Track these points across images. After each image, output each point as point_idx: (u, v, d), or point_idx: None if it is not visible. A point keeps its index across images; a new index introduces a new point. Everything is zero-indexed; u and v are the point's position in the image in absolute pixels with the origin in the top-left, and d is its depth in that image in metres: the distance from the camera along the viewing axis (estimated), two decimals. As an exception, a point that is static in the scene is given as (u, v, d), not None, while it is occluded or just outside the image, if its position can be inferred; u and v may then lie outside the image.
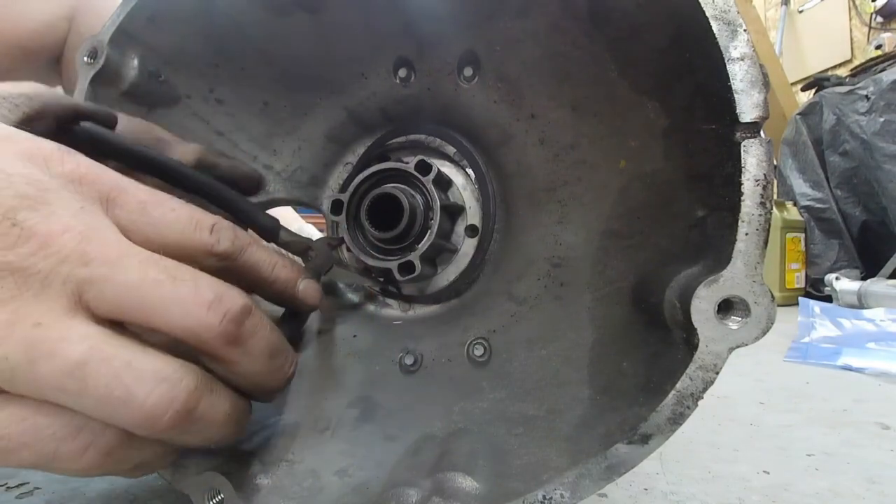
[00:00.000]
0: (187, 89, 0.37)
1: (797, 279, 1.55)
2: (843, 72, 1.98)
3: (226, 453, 0.26)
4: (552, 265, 0.33)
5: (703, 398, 0.18)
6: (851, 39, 2.30)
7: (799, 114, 1.68)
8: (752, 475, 0.38)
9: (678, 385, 0.18)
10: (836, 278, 1.33)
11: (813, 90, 1.71)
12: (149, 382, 0.14)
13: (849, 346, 0.89)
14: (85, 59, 0.32)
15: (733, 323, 0.18)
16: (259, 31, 0.36)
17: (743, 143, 0.19)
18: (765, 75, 0.19)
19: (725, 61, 0.19)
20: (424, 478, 0.22)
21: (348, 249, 0.42)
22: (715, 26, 0.19)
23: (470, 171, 0.40)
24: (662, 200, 0.26)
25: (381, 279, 0.40)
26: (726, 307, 0.18)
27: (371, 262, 0.40)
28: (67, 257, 0.14)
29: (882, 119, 1.39)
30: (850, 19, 2.31)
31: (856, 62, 2.12)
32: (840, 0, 2.34)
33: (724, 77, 0.19)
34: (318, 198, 0.45)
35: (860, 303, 1.23)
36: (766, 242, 0.18)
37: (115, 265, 0.14)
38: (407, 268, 0.38)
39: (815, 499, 0.35)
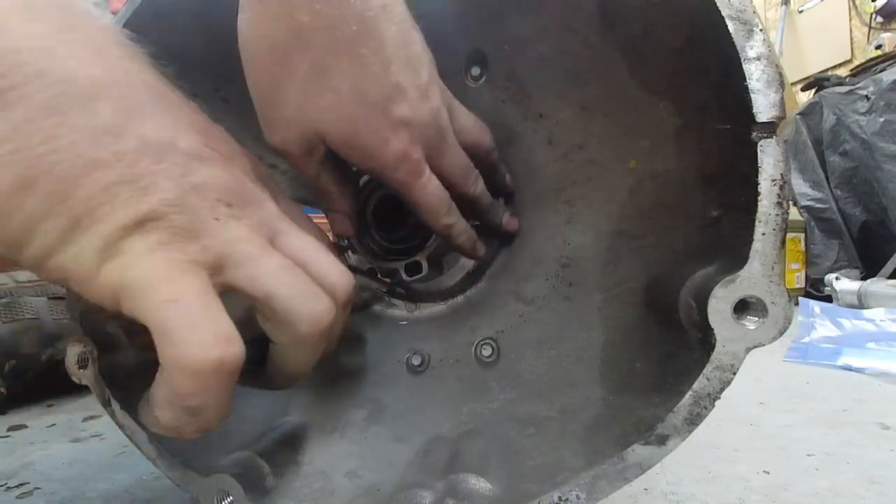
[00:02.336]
0: (193, 88, 0.37)
1: (797, 279, 1.55)
2: (843, 72, 1.99)
3: (235, 455, 0.26)
4: (561, 265, 0.33)
5: (720, 398, 0.18)
6: (851, 39, 2.30)
7: (799, 114, 1.69)
8: (752, 475, 0.38)
9: (695, 385, 0.18)
10: (836, 278, 1.33)
11: (813, 90, 1.71)
12: (322, 295, 0.19)
13: (849, 346, 0.89)
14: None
15: (750, 323, 0.18)
16: None
17: (760, 143, 0.18)
18: (781, 75, 0.19)
19: (742, 61, 0.19)
20: (437, 479, 0.22)
21: (354, 251, 0.42)
22: (731, 26, 0.19)
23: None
24: (675, 200, 0.25)
25: (389, 280, 0.40)
26: (743, 307, 0.18)
27: (377, 263, 0.40)
28: (273, 212, 0.20)
29: (882, 119, 1.40)
30: (850, 19, 2.31)
31: (856, 62, 2.12)
32: (840, 0, 2.35)
33: (739, 77, 0.19)
34: (323, 197, 0.45)
35: (860, 303, 1.23)
36: (783, 242, 0.18)
37: (297, 230, 0.21)
38: (414, 268, 0.38)
39: (815, 499, 0.35)
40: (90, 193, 0.14)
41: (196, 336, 0.15)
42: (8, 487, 0.37)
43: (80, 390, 0.59)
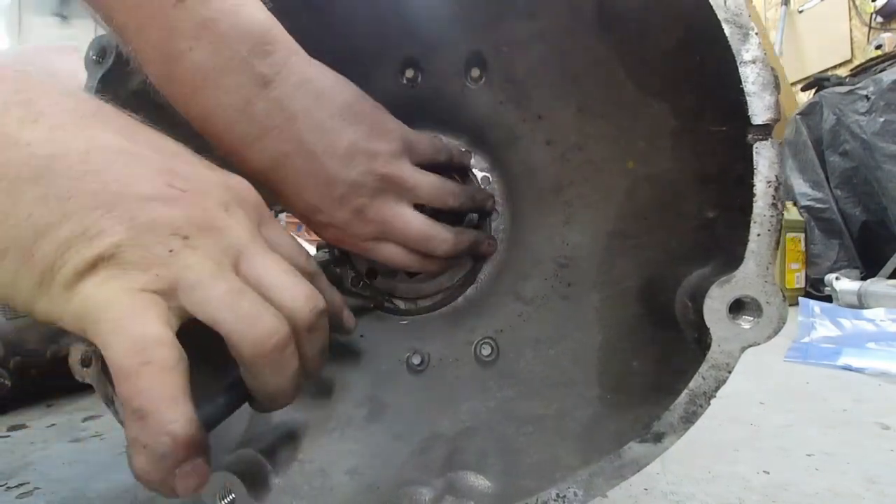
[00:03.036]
0: None
1: (797, 279, 1.55)
2: (843, 72, 1.99)
3: (237, 453, 0.26)
4: (559, 265, 0.34)
5: (715, 397, 0.18)
6: (851, 39, 2.30)
7: (799, 114, 1.69)
8: (752, 475, 0.38)
9: (691, 384, 0.18)
10: (836, 278, 1.33)
11: (813, 90, 1.71)
12: (269, 316, 0.20)
13: (849, 346, 0.89)
14: (93, 57, 0.32)
15: (745, 322, 0.18)
16: None
17: (755, 145, 0.19)
18: (776, 77, 0.20)
19: (737, 64, 0.19)
20: (436, 477, 0.23)
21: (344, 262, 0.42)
22: (727, 29, 0.19)
23: (475, 171, 0.40)
24: (671, 201, 0.26)
25: (379, 298, 0.40)
26: (738, 307, 0.18)
27: (378, 263, 0.40)
28: (240, 238, 0.21)
29: (882, 119, 1.40)
30: (850, 19, 2.31)
31: (856, 62, 2.12)
32: (840, 0, 2.35)
33: (735, 79, 0.19)
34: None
35: (860, 303, 1.23)
36: (777, 243, 0.18)
37: (264, 255, 0.22)
38: None
39: (815, 499, 0.35)
40: (46, 252, 0.17)
41: (119, 341, 0.17)
42: (8, 487, 0.37)
43: (81, 389, 0.59)
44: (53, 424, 0.53)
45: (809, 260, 1.61)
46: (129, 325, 0.17)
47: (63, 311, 0.18)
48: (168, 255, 0.19)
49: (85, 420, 0.54)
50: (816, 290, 1.52)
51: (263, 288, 0.21)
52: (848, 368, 0.79)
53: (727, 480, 0.37)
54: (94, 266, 0.18)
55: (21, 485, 0.37)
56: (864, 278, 1.33)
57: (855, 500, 0.35)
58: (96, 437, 0.48)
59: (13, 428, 0.51)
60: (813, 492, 0.36)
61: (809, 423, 0.52)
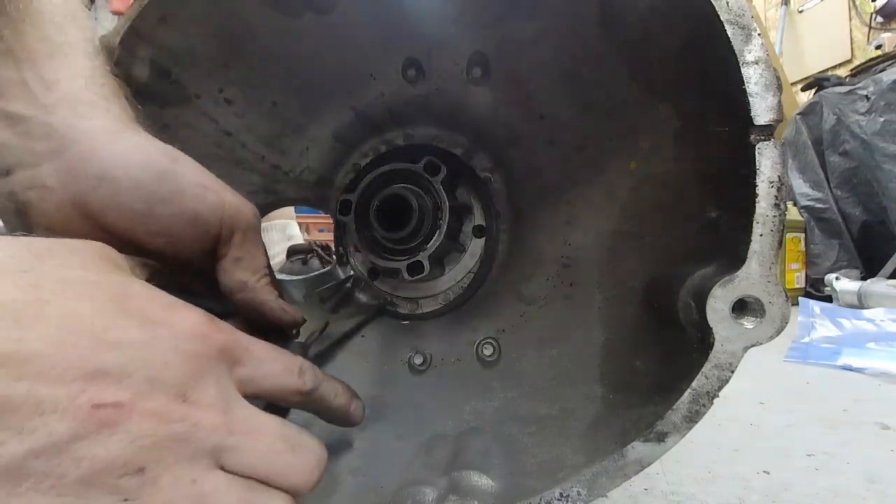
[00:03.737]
0: (197, 89, 0.37)
1: (797, 279, 1.55)
2: (843, 72, 1.99)
3: None
4: (561, 265, 0.34)
5: (718, 396, 0.18)
6: (851, 39, 2.30)
7: (799, 114, 1.69)
8: (752, 475, 0.38)
9: (694, 383, 0.18)
10: (836, 278, 1.33)
11: (813, 90, 1.72)
12: None
13: (849, 346, 0.89)
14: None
15: (748, 322, 0.18)
16: (269, 32, 0.36)
17: (757, 146, 0.19)
18: (778, 78, 0.20)
19: (740, 65, 0.19)
20: (439, 476, 0.23)
21: (357, 249, 0.42)
22: (730, 30, 0.19)
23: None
24: (674, 201, 0.26)
25: (380, 302, 0.40)
26: (741, 307, 0.18)
27: (380, 262, 0.40)
28: (216, 428, 0.17)
29: (882, 119, 1.40)
30: (850, 19, 2.31)
31: (856, 62, 2.12)
32: (840, 0, 2.35)
33: (737, 80, 0.19)
34: (325, 198, 0.45)
35: (860, 303, 1.24)
36: (780, 243, 0.18)
37: (252, 436, 0.19)
38: (416, 268, 0.38)
39: (815, 499, 0.35)
40: None
41: None
42: None
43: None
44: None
45: (809, 260, 1.61)
46: None
47: None
48: (114, 498, 0.15)
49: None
50: (816, 290, 1.53)
51: (259, 477, 0.18)
52: (848, 368, 0.79)
53: (727, 480, 0.37)
54: None
55: None
56: (864, 278, 1.33)
57: (855, 500, 0.35)
58: (97, 437, 0.48)
59: None
60: (813, 492, 0.36)
61: (809, 423, 0.52)
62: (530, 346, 0.32)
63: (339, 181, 0.44)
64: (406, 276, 0.39)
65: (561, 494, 0.18)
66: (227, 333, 0.20)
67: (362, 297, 0.42)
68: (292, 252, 0.82)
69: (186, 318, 0.18)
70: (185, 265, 0.27)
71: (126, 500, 0.15)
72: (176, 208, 0.25)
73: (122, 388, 0.15)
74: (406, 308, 0.41)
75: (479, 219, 0.41)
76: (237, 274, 0.28)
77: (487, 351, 0.34)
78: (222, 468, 0.17)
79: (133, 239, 0.24)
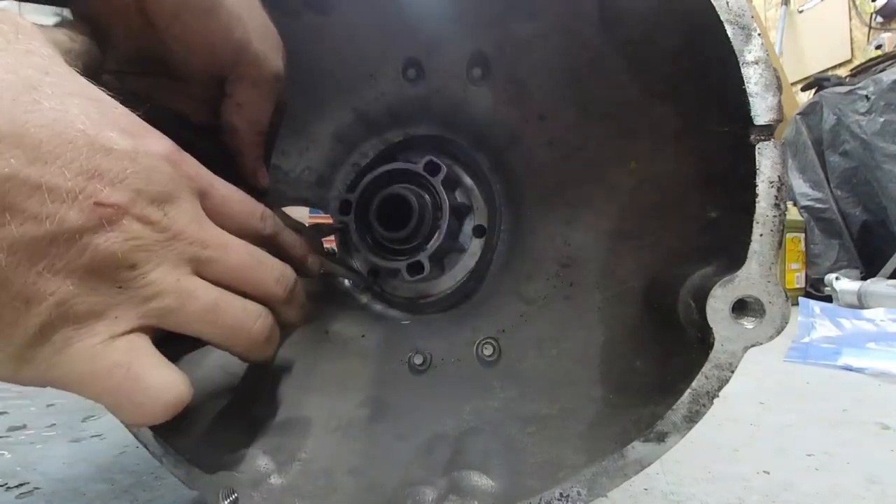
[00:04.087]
0: None
1: (797, 279, 1.55)
2: (843, 72, 1.99)
3: (240, 452, 0.26)
4: (561, 265, 0.34)
5: (718, 396, 0.18)
6: (851, 39, 2.30)
7: (799, 114, 1.69)
8: (752, 475, 0.38)
9: (694, 384, 0.18)
10: (836, 278, 1.33)
11: (813, 90, 1.72)
12: (255, 317, 0.21)
13: (849, 346, 0.89)
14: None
15: (748, 322, 0.18)
16: None
17: (757, 146, 0.19)
18: (778, 78, 0.20)
19: (740, 65, 0.19)
20: (439, 476, 0.23)
21: (357, 249, 0.42)
22: (730, 30, 0.19)
23: (478, 171, 0.40)
24: (674, 201, 0.26)
25: (368, 277, 0.40)
26: (741, 307, 0.18)
27: (380, 262, 0.40)
28: (193, 242, 0.20)
29: (882, 119, 1.40)
30: (850, 19, 2.31)
31: (856, 62, 2.12)
32: (840, 0, 2.35)
33: (737, 80, 0.19)
34: (324, 198, 0.45)
35: (860, 303, 1.23)
36: (780, 243, 0.18)
37: (224, 250, 0.21)
38: (416, 268, 0.38)
39: (815, 499, 0.35)
40: None
41: (134, 407, 0.17)
42: (8, 487, 0.36)
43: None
44: (53, 424, 0.52)
45: (809, 260, 1.61)
46: (132, 388, 0.17)
47: (47, 381, 0.17)
48: (118, 292, 0.17)
49: (85, 420, 0.54)
50: (816, 290, 1.53)
51: (234, 283, 0.21)
52: (848, 368, 0.79)
53: (727, 480, 0.37)
54: (42, 334, 0.16)
55: (21, 485, 0.37)
56: (864, 278, 1.33)
57: (855, 500, 0.35)
58: (96, 437, 0.48)
59: (13, 428, 0.51)
60: (813, 492, 0.36)
61: (809, 423, 0.52)
62: (530, 346, 0.32)
63: (339, 181, 0.44)
64: (406, 276, 0.39)
65: (561, 494, 0.18)
66: (195, 167, 0.21)
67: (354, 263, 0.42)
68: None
69: (160, 142, 0.20)
70: (185, 81, 0.28)
71: (121, 287, 0.17)
72: (199, 24, 0.25)
73: (115, 190, 0.17)
74: (406, 308, 0.41)
75: (479, 219, 0.41)
76: (232, 117, 0.29)
77: (487, 351, 0.34)
78: (202, 275, 0.20)
79: (155, 36, 0.25)
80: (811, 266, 1.60)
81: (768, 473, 0.39)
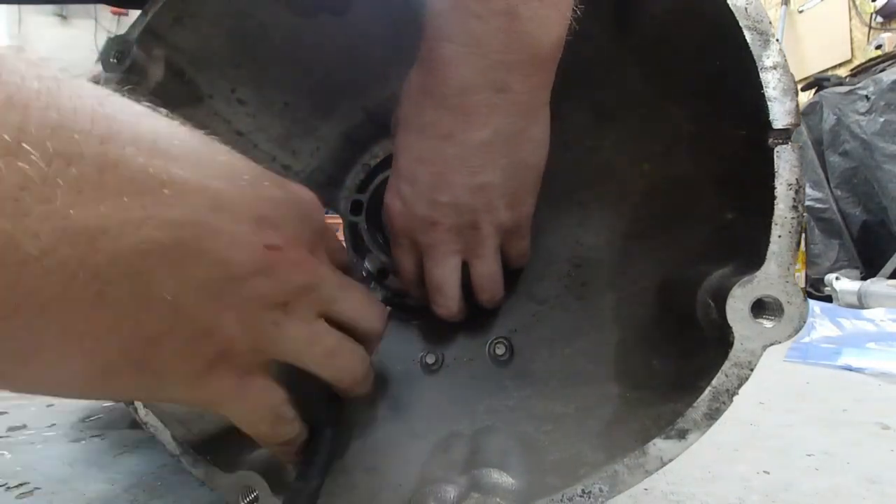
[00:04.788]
0: (210, 89, 0.37)
1: (797, 279, 1.56)
2: (843, 72, 1.99)
3: (258, 452, 0.26)
4: (573, 265, 0.34)
5: (738, 394, 0.18)
6: (851, 39, 2.31)
7: (799, 114, 1.70)
8: (752, 475, 0.38)
9: (714, 382, 0.18)
10: (836, 278, 1.34)
11: (813, 90, 1.72)
12: (361, 360, 0.24)
13: (849, 346, 0.90)
14: (111, 58, 0.32)
15: (767, 321, 0.18)
16: (283, 33, 0.36)
17: (776, 149, 0.19)
18: (795, 83, 0.20)
19: (759, 70, 0.19)
20: (458, 475, 0.23)
21: (368, 249, 0.42)
22: (748, 36, 0.20)
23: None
24: (689, 203, 0.26)
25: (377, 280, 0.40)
26: (760, 307, 0.19)
27: (391, 262, 0.41)
28: (332, 283, 0.22)
29: (882, 119, 1.41)
30: (850, 19, 2.32)
31: (856, 62, 2.12)
32: (840, 0, 2.35)
33: (755, 84, 0.20)
34: (334, 198, 0.45)
35: (860, 303, 1.24)
36: (798, 244, 0.19)
37: (349, 292, 0.23)
38: None
39: (815, 499, 0.35)
40: (164, 360, 0.17)
41: (271, 437, 0.21)
42: (8, 487, 0.36)
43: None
44: (53, 424, 0.52)
45: (809, 260, 1.61)
46: (251, 409, 0.20)
47: (188, 401, 0.19)
48: (273, 328, 0.19)
49: (85, 420, 0.54)
50: (816, 290, 1.53)
51: (348, 325, 0.23)
52: (848, 368, 0.79)
53: (727, 480, 0.37)
54: (212, 366, 0.18)
55: (21, 485, 0.37)
56: (864, 278, 1.34)
57: (855, 500, 0.35)
58: (96, 437, 0.48)
59: (13, 428, 0.51)
60: (813, 492, 0.36)
61: (809, 423, 0.52)
62: (543, 345, 0.32)
63: (349, 181, 0.44)
64: None
65: (583, 491, 0.19)
66: (319, 208, 0.23)
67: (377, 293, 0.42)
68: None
69: (303, 190, 0.22)
70: None
71: (274, 323, 0.19)
72: None
73: (279, 236, 0.19)
74: (417, 308, 0.42)
75: None
76: None
77: (500, 350, 0.34)
78: (324, 317, 0.21)
79: None
80: (811, 266, 1.61)
81: (768, 473, 0.39)
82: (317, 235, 0.22)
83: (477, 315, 0.38)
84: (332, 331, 0.22)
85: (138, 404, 0.27)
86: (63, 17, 2.75)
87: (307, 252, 0.20)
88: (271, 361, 0.20)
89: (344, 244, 0.41)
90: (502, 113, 0.25)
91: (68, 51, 2.67)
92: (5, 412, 0.57)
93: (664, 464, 0.19)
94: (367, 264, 0.44)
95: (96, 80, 0.32)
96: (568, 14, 0.24)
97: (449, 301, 0.31)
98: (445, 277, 0.31)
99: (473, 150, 0.25)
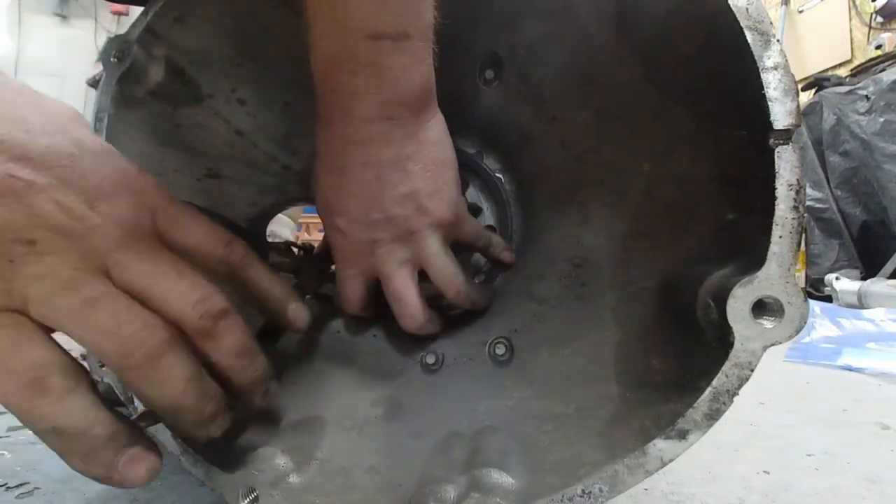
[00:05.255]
0: (210, 89, 0.37)
1: (797, 279, 1.56)
2: (843, 72, 1.99)
3: (258, 451, 0.27)
4: (573, 265, 0.34)
5: (738, 394, 0.18)
6: (851, 39, 2.31)
7: (799, 114, 1.70)
8: (752, 475, 0.38)
9: (714, 382, 0.18)
10: (836, 278, 1.34)
11: (813, 90, 1.72)
12: (135, 324, 0.18)
13: (849, 346, 0.90)
14: (112, 58, 0.32)
15: (767, 322, 0.18)
16: (283, 33, 0.36)
17: (777, 150, 0.19)
18: (796, 84, 0.20)
19: (759, 70, 0.19)
20: (459, 475, 0.23)
21: None
22: (749, 36, 0.20)
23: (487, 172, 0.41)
24: (689, 203, 0.26)
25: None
26: (760, 307, 0.18)
27: None
28: (110, 240, 0.19)
29: (882, 119, 1.41)
30: (850, 19, 2.32)
31: (856, 62, 2.12)
32: (840, 0, 2.35)
33: (755, 85, 0.20)
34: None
35: (860, 303, 1.24)
36: (798, 245, 0.19)
37: (141, 256, 0.20)
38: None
39: (815, 499, 0.35)
40: None
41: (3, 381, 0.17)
42: (8, 487, 0.36)
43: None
44: (55, 424, 0.52)
45: (809, 260, 1.62)
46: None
47: None
48: (7, 265, 0.16)
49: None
50: (816, 290, 1.53)
51: (140, 294, 0.19)
52: (848, 368, 0.79)
53: (727, 480, 0.37)
54: None
55: (21, 485, 0.37)
56: (864, 278, 1.34)
57: (855, 500, 0.35)
58: (98, 437, 0.48)
59: (13, 428, 0.51)
60: (813, 492, 0.36)
61: (809, 423, 0.52)
62: (543, 345, 0.32)
63: None
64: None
65: (583, 491, 0.19)
66: (153, 187, 0.22)
67: None
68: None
69: (120, 160, 0.21)
70: None
71: (11, 261, 0.17)
72: None
73: (38, 174, 0.17)
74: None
75: (490, 219, 0.41)
76: None
77: (500, 350, 0.34)
78: (110, 275, 0.19)
79: None
80: (811, 266, 1.61)
81: (768, 473, 0.39)
82: (119, 194, 0.20)
83: (476, 316, 0.38)
84: (121, 295, 0.18)
85: (138, 403, 0.27)
86: (63, 17, 2.75)
87: (85, 201, 0.18)
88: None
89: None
90: (398, 133, 0.28)
91: (68, 51, 2.67)
92: (5, 412, 0.57)
93: (664, 464, 0.19)
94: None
95: (97, 80, 0.32)
96: (428, 61, 0.27)
97: (412, 309, 0.32)
98: (402, 287, 0.31)
99: (387, 168, 0.28)
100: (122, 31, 0.33)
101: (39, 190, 0.17)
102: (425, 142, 0.29)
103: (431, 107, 0.30)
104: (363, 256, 0.31)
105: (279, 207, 0.44)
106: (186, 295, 0.20)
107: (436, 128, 0.30)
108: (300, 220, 1.18)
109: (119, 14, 2.65)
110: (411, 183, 0.29)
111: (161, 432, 0.27)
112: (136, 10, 0.34)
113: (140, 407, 0.27)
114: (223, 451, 0.26)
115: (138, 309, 0.19)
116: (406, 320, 0.32)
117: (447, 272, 0.32)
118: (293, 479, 0.26)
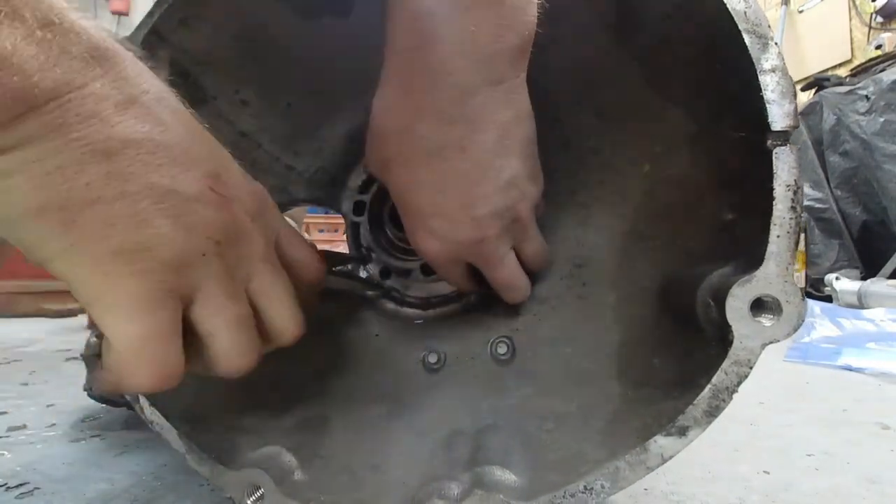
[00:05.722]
0: (214, 90, 0.38)
1: (797, 279, 1.57)
2: (843, 72, 2.00)
3: (263, 450, 0.27)
4: (575, 265, 0.34)
5: (737, 392, 0.19)
6: (851, 39, 2.31)
7: (799, 114, 1.70)
8: (752, 475, 0.38)
9: (714, 379, 0.19)
10: (836, 278, 1.34)
11: (813, 90, 1.72)
12: (242, 354, 0.22)
13: (849, 346, 0.90)
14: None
15: (766, 320, 0.19)
16: (286, 35, 0.36)
17: (774, 151, 0.19)
18: (794, 86, 0.20)
19: (757, 73, 0.20)
20: (462, 472, 0.23)
21: (370, 250, 0.42)
22: (747, 39, 0.20)
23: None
24: (689, 203, 0.26)
25: (378, 285, 0.41)
26: (759, 306, 0.19)
27: (393, 262, 0.41)
28: (263, 249, 0.23)
29: (882, 119, 1.41)
30: (850, 19, 2.32)
31: (856, 62, 2.13)
32: (840, 0, 2.36)
33: (754, 87, 0.20)
34: (337, 198, 0.45)
35: (860, 303, 1.24)
36: (796, 244, 0.19)
37: (273, 268, 0.24)
38: (429, 268, 0.39)
39: (815, 499, 0.35)
40: (89, 222, 0.17)
41: (134, 375, 0.19)
42: (8, 487, 0.36)
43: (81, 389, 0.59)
44: (53, 424, 0.52)
45: (809, 260, 1.62)
46: (136, 324, 0.18)
47: (80, 282, 0.18)
48: (201, 258, 0.19)
49: (85, 420, 0.54)
50: (816, 290, 1.53)
51: (262, 309, 0.23)
52: (848, 368, 0.79)
53: (727, 480, 0.37)
54: (131, 253, 0.18)
55: (21, 485, 0.37)
56: (864, 278, 1.34)
57: (855, 500, 0.35)
58: (96, 437, 0.48)
59: (13, 428, 0.51)
60: (813, 492, 0.36)
61: (809, 423, 0.52)
62: (545, 344, 0.33)
63: (352, 182, 0.45)
64: (420, 275, 0.39)
65: (585, 487, 0.19)
66: (279, 214, 0.26)
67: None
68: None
69: (265, 192, 0.25)
70: None
71: (203, 253, 0.20)
72: None
73: (227, 189, 0.21)
74: (419, 307, 0.42)
75: None
76: None
77: (501, 349, 0.35)
78: (246, 282, 0.22)
79: None
80: (811, 266, 1.61)
81: (768, 473, 0.39)
82: (264, 218, 0.23)
83: (479, 314, 0.38)
84: (247, 305, 0.22)
85: (144, 403, 0.27)
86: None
87: (252, 220, 0.22)
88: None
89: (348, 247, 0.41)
90: (501, 104, 0.25)
91: (69, 51, 2.67)
92: (5, 412, 0.57)
93: (665, 460, 0.19)
94: (369, 264, 0.44)
95: None
96: None
97: (522, 291, 0.32)
98: (512, 275, 0.31)
99: (489, 152, 0.25)
100: (123, 31, 0.33)
101: (227, 203, 0.21)
102: (521, 116, 0.26)
103: (527, 63, 0.25)
104: (464, 254, 0.29)
105: (282, 208, 0.45)
106: (292, 323, 0.24)
107: (524, 94, 0.26)
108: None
109: (119, 14, 2.65)
110: (512, 167, 0.26)
111: (166, 432, 0.27)
112: (137, 11, 0.34)
113: (144, 406, 0.27)
114: (228, 450, 0.26)
115: (251, 333, 0.22)
116: (516, 297, 0.33)
117: (542, 251, 0.32)
118: (298, 476, 0.26)
